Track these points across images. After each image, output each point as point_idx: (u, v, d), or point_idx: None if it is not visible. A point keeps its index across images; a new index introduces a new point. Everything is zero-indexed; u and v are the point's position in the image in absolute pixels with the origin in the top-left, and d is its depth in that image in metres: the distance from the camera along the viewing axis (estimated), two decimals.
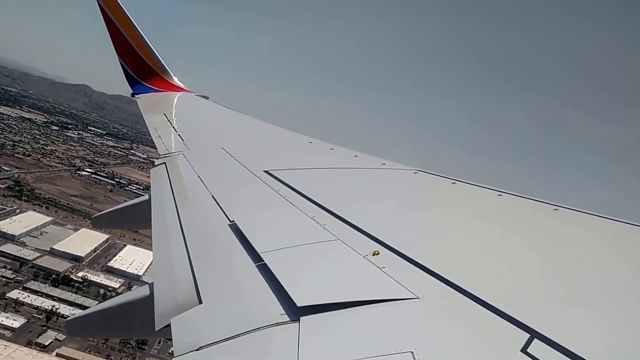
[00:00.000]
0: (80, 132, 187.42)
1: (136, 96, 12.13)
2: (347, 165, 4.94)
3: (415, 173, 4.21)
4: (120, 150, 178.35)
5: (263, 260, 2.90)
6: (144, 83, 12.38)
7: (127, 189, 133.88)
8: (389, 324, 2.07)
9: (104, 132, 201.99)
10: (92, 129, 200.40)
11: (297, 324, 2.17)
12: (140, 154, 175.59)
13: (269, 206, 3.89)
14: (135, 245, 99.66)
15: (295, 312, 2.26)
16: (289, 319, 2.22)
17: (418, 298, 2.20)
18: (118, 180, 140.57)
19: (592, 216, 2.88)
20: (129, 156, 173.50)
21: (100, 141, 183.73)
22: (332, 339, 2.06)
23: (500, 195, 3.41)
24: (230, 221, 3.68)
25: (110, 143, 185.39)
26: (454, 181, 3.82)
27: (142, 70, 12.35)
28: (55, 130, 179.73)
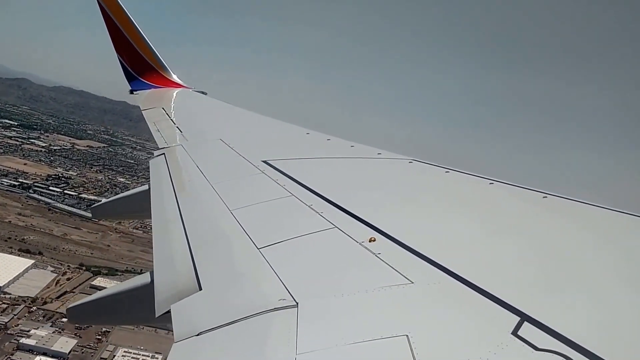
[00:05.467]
0: None
1: (135, 92, 12.24)
2: (343, 155, 5.00)
3: (410, 162, 4.30)
4: (16, 140, 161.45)
5: (261, 248, 2.96)
6: (142, 79, 12.52)
7: None
8: (384, 309, 2.13)
9: (16, 124, 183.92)
10: (4, 121, 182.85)
11: (296, 309, 2.22)
12: (41, 144, 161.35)
13: (267, 195, 3.93)
14: None
15: (293, 297, 2.31)
16: (287, 305, 2.27)
17: (412, 283, 2.25)
18: None
19: (579, 203, 2.98)
20: (23, 145, 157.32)
21: None
22: (330, 324, 2.11)
23: (492, 183, 3.51)
24: (230, 209, 3.73)
25: (14, 134, 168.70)
26: (448, 170, 3.92)
27: (141, 67, 12.49)
28: None
